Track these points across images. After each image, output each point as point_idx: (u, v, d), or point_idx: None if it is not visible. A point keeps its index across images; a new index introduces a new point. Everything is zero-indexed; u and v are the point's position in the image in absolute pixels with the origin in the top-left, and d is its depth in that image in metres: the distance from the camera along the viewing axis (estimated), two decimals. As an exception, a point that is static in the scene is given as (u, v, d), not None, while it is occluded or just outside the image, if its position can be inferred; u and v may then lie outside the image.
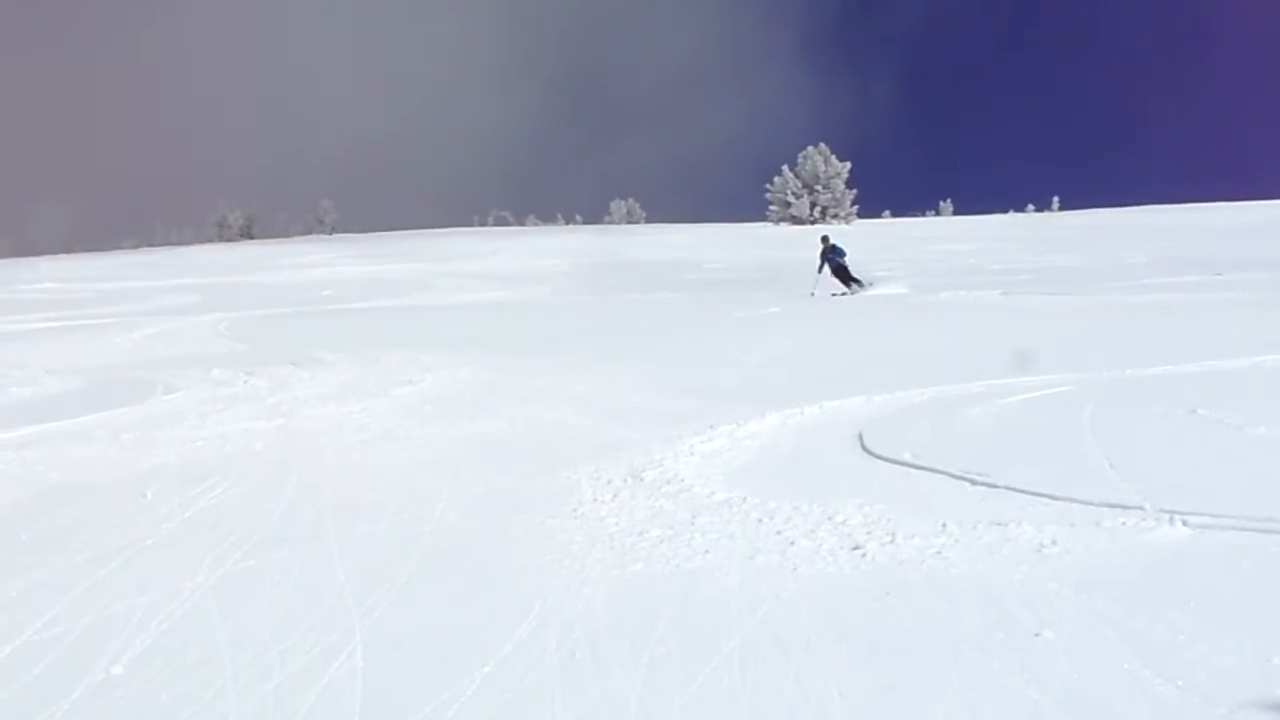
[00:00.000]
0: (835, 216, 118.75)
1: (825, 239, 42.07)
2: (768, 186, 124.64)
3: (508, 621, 8.50)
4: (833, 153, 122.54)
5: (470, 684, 7.36)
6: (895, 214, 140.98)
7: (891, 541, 10.23)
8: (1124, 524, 10.37)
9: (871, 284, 40.81)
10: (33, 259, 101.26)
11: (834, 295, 38.78)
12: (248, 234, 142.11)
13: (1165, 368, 18.79)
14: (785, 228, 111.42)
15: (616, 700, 7.05)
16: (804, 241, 77.40)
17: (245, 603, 9.32)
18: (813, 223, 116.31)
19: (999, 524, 10.55)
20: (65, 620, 8.97)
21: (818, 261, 41.16)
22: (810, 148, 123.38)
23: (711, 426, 15.61)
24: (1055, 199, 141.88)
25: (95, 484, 13.81)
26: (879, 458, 13.53)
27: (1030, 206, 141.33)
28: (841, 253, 41.08)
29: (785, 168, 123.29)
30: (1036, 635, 7.91)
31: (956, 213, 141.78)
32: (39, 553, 11.03)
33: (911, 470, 12.90)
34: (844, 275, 40.75)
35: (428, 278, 53.05)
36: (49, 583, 10.00)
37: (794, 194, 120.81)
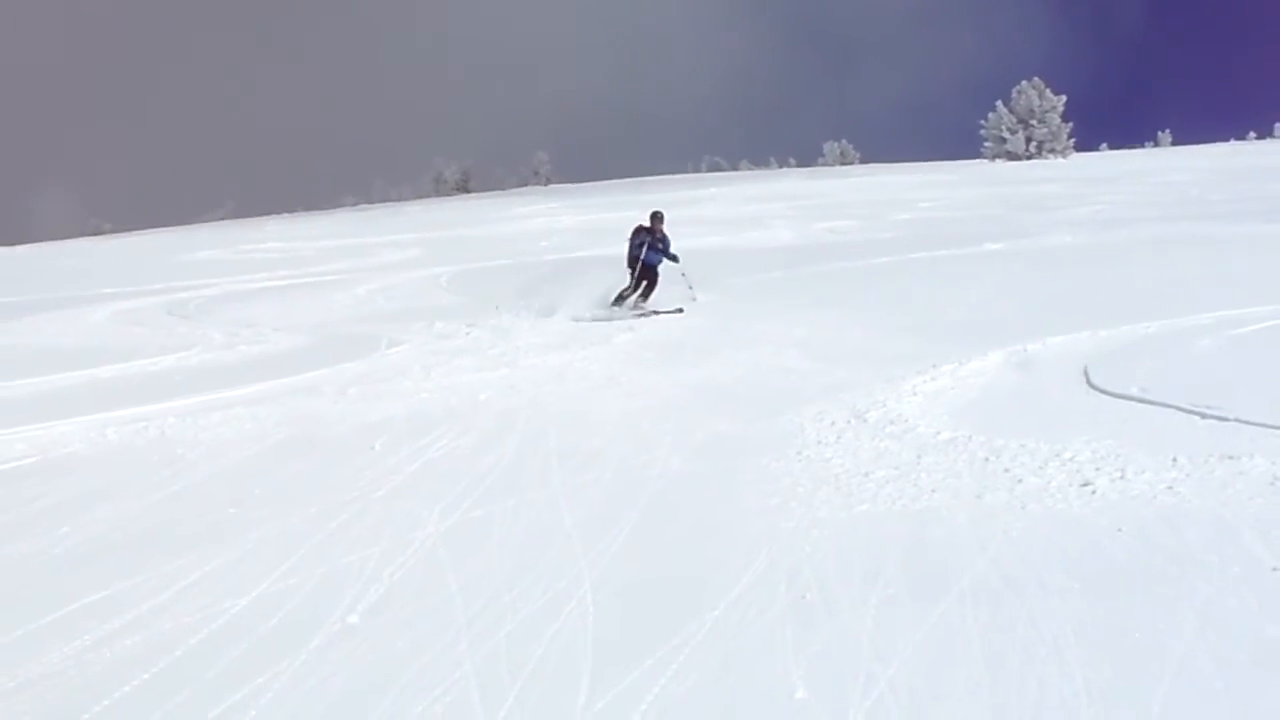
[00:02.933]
0: (1051, 151, 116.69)
1: (658, 218, 26.64)
2: (982, 123, 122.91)
3: (736, 565, 8.49)
4: (1047, 86, 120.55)
5: (700, 628, 7.36)
6: (1112, 146, 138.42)
7: (1121, 477, 10.07)
8: (1362, 454, 10.11)
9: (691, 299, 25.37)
10: (257, 219, 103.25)
11: (594, 318, 24.49)
12: (464, 188, 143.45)
13: (1403, 293, 18.24)
14: (1001, 164, 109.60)
15: (848, 642, 7.01)
16: (1022, 177, 76.28)
17: (475, 551, 9.41)
18: (1028, 158, 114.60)
19: (1231, 457, 10.34)
20: (301, 571, 9.13)
21: (635, 252, 26.22)
22: (1024, 82, 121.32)
23: (933, 366, 15.49)
24: (1278, 125, 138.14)
25: (324, 437, 14.05)
26: (1106, 393, 13.32)
27: (1251, 134, 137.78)
28: (665, 247, 26.14)
29: (999, 103, 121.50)
30: (1274, 570, 7.74)
31: (1175, 143, 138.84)
32: (273, 505, 11.25)
33: (1139, 405, 12.69)
34: (646, 281, 25.99)
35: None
36: (284, 534, 10.19)
37: (1009, 129, 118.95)
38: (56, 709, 6.83)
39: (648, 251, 25.87)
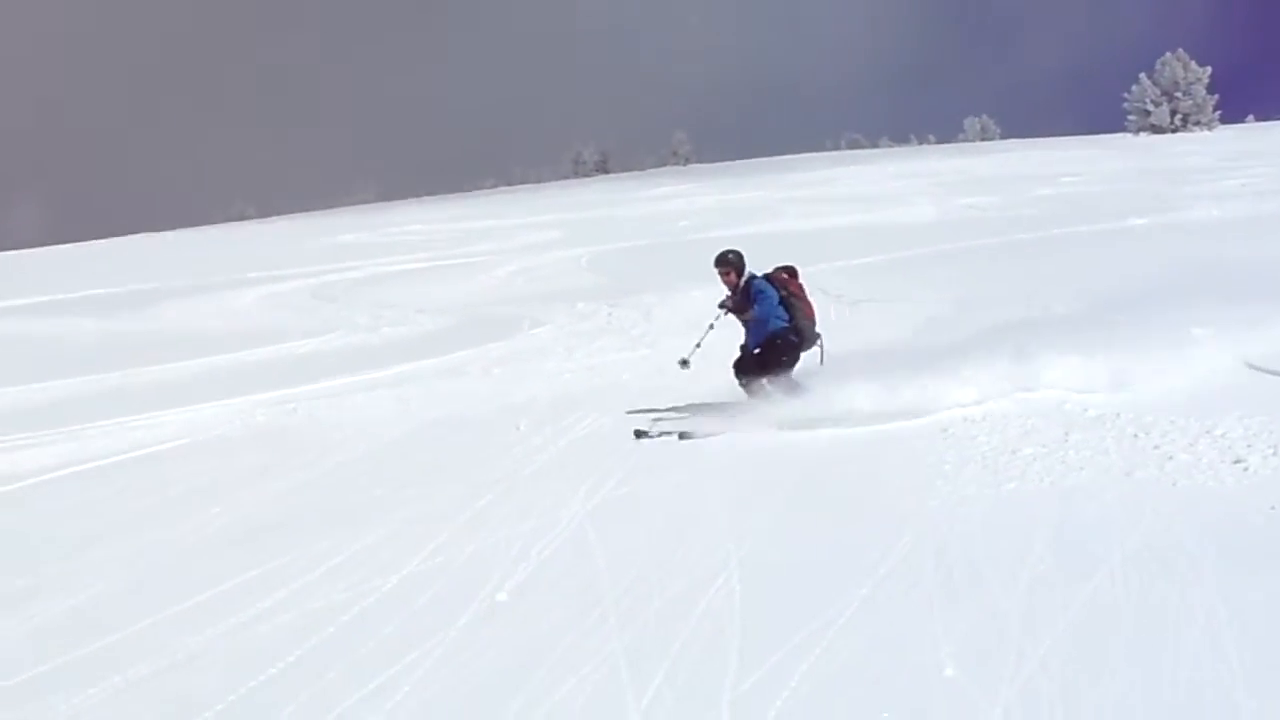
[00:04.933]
0: (1197, 123, 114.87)
1: (729, 260, 14.61)
2: (1125, 96, 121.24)
3: (883, 544, 8.42)
4: (1192, 58, 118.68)
5: (848, 607, 7.31)
6: (1259, 118, 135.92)
7: (1274, 454, 9.87)
8: None
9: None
10: (397, 203, 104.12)
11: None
12: (603, 169, 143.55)
13: None
14: (1145, 138, 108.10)
15: (998, 620, 6.92)
16: (1166, 151, 75.13)
17: (621, 529, 9.44)
18: (1173, 131, 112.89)
19: (1391, 433, 10.12)
20: (449, 550, 9.21)
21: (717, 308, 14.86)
22: (1168, 54, 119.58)
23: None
24: None
25: (470, 418, 14.17)
26: (1260, 370, 13.07)
27: None
28: (765, 296, 14.09)
29: (1143, 75, 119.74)
30: None
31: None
32: (420, 485, 11.37)
33: (1295, 380, 12.45)
34: (771, 355, 14.06)
35: (781, 204, 52.81)
36: (431, 513, 10.29)
37: (1153, 102, 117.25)
38: (212, 684, 6.93)
39: (744, 326, 14.50)
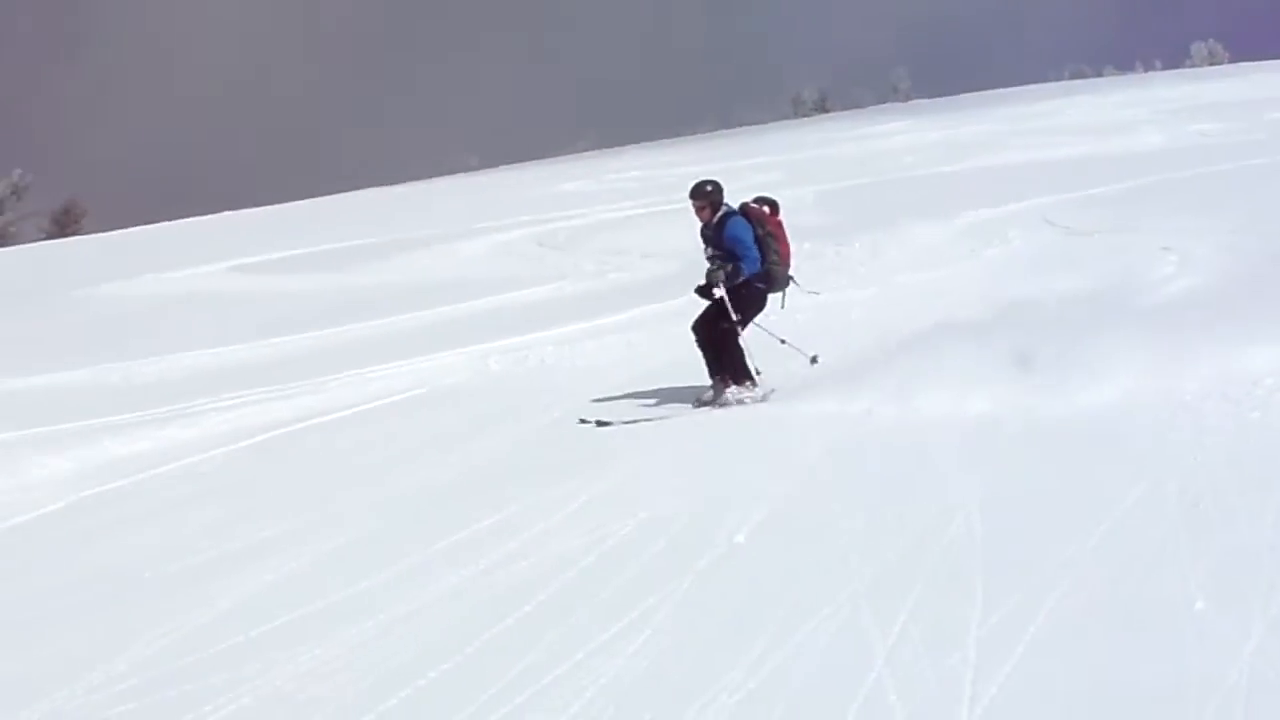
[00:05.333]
0: None
1: (706, 192, 13.78)
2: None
3: (1125, 477, 8.26)
4: None
5: (1090, 539, 7.21)
6: None
7: None
8: None
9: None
10: (617, 149, 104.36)
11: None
12: (822, 108, 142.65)
13: None
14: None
15: (1247, 554, 6.75)
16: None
17: (857, 469, 9.44)
18: None
19: None
20: (685, 492, 9.28)
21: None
22: None
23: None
24: None
25: (699, 361, 14.16)
26: None
27: None
28: (742, 243, 13.21)
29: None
30: None
31: None
32: (654, 429, 11.42)
33: None
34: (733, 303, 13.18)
35: (1006, 137, 51.85)
36: (666, 457, 10.41)
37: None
38: (458, 629, 7.05)
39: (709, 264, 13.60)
